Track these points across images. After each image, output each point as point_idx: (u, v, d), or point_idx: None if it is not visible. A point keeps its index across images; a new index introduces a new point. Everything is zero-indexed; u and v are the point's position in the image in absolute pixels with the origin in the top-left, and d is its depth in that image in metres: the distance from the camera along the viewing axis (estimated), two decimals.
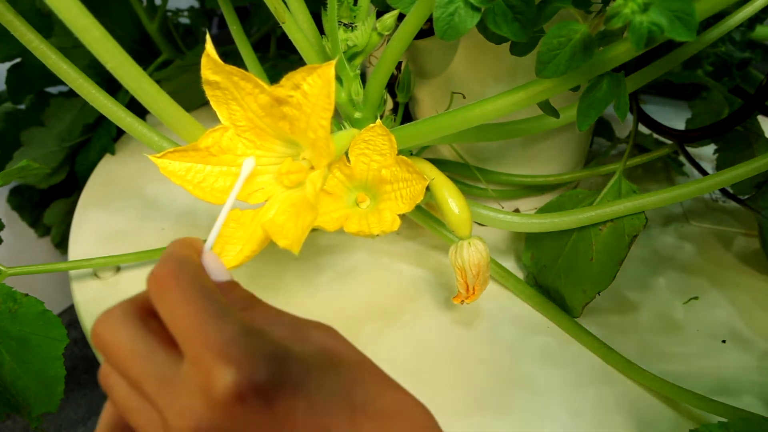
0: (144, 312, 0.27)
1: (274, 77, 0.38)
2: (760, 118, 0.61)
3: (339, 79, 0.47)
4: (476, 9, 0.37)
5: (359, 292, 0.56)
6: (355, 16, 0.47)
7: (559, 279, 0.52)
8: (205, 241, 0.31)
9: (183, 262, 0.27)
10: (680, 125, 0.69)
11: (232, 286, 0.30)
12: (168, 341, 0.26)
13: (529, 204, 0.64)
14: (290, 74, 0.33)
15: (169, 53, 0.85)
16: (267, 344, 0.25)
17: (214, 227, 0.31)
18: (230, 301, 0.28)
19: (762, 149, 0.59)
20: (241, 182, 0.35)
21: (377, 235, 0.44)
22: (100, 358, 0.50)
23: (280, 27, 0.46)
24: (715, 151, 0.65)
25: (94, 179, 0.73)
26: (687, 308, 0.55)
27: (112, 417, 0.29)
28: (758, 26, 0.61)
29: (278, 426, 0.24)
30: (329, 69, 0.32)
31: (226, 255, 0.35)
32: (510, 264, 0.58)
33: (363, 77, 0.48)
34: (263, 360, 0.25)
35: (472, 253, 0.47)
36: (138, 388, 0.26)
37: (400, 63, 0.54)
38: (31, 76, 0.80)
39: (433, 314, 0.54)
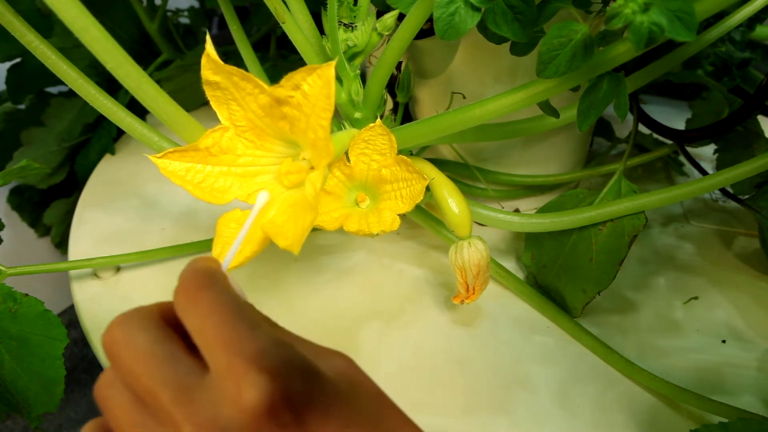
0: (164, 320, 0.26)
1: (274, 77, 0.38)
2: (760, 118, 0.61)
3: (339, 79, 0.47)
4: (476, 9, 0.37)
5: (359, 292, 0.56)
6: (355, 16, 0.47)
7: (559, 279, 0.52)
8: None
9: (213, 274, 0.26)
10: (680, 125, 0.69)
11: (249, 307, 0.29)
12: (189, 353, 0.25)
13: (529, 204, 0.64)
14: (290, 75, 0.33)
15: (169, 53, 0.85)
16: (300, 359, 0.24)
17: (230, 249, 0.31)
18: None
19: (762, 149, 0.59)
20: (254, 216, 0.34)
21: (377, 235, 0.44)
22: (103, 361, 0.50)
23: (280, 27, 0.46)
24: (715, 151, 0.65)
25: (94, 179, 0.73)
26: (687, 308, 0.55)
27: None
28: (758, 26, 0.61)
29: None
30: (329, 69, 0.32)
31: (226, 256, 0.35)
32: (510, 264, 0.58)
33: (363, 77, 0.48)
34: (297, 372, 0.23)
35: (472, 253, 0.47)
36: (149, 399, 0.24)
37: (400, 63, 0.54)
38: (31, 76, 0.80)
39: (433, 314, 0.54)
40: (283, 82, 0.34)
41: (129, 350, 0.25)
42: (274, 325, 0.28)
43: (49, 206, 0.89)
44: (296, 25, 0.46)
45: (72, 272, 0.58)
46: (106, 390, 0.25)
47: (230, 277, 0.29)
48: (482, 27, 0.39)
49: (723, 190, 0.59)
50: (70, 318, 0.76)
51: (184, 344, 0.25)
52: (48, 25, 0.71)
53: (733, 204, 0.64)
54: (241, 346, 0.23)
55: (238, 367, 0.23)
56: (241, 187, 0.38)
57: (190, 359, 0.25)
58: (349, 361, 0.28)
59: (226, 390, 0.23)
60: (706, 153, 0.70)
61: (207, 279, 0.26)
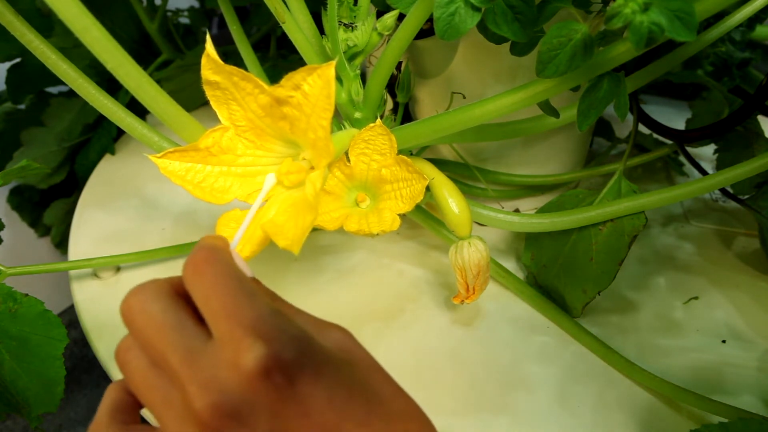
0: (175, 292, 0.28)
1: (274, 77, 0.38)
2: (760, 118, 0.61)
3: (339, 79, 0.47)
4: (476, 9, 0.37)
5: (359, 292, 0.56)
6: (355, 16, 0.47)
7: (559, 279, 0.52)
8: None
9: (217, 250, 0.29)
10: (680, 125, 0.69)
11: (254, 282, 0.31)
12: (197, 320, 0.27)
13: (529, 204, 0.64)
14: (290, 74, 0.33)
15: (169, 53, 0.85)
16: (295, 328, 0.27)
17: (239, 229, 0.33)
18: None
19: (762, 149, 0.59)
20: (265, 193, 0.35)
21: (377, 235, 0.44)
22: (104, 361, 0.50)
23: (280, 27, 0.46)
24: (715, 151, 0.65)
25: (94, 179, 0.73)
26: (687, 308, 0.55)
27: (117, 397, 0.29)
28: (758, 26, 0.61)
29: (297, 409, 0.25)
30: (329, 69, 0.32)
31: None
32: (510, 264, 0.58)
33: (363, 77, 0.49)
34: (291, 340, 0.26)
35: (472, 252, 0.47)
36: (161, 362, 0.26)
37: (400, 63, 0.54)
38: (31, 76, 0.80)
39: (433, 314, 0.54)
40: (283, 82, 0.34)
41: (143, 318, 0.27)
42: (275, 298, 0.31)
43: (49, 206, 0.89)
44: (296, 25, 0.46)
45: (72, 272, 0.58)
46: (125, 354, 0.28)
47: (235, 254, 0.31)
48: (482, 27, 0.39)
49: (723, 190, 0.59)
50: (70, 318, 0.76)
51: (193, 313, 0.28)
52: (48, 24, 0.71)
53: (733, 204, 0.64)
54: (240, 316, 0.26)
55: (236, 334, 0.25)
56: (241, 187, 0.38)
57: (197, 327, 0.27)
58: (345, 334, 0.30)
59: (226, 354, 0.25)
60: (706, 153, 0.70)
61: (212, 254, 0.28)
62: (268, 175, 0.36)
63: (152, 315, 0.27)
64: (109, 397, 0.29)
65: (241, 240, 0.35)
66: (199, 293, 0.27)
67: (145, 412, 0.32)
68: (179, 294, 0.28)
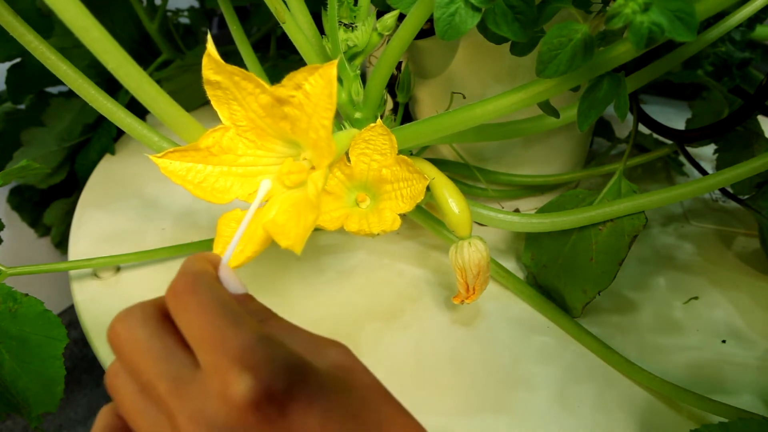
0: (164, 315, 0.28)
1: (274, 77, 0.38)
2: (760, 118, 0.61)
3: (339, 79, 0.47)
4: (477, 9, 0.37)
5: (359, 292, 0.56)
6: (355, 16, 0.47)
7: (559, 279, 0.52)
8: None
9: (199, 275, 0.28)
10: (680, 125, 0.69)
11: (247, 299, 0.30)
12: (185, 347, 0.27)
13: (529, 204, 0.64)
14: (292, 74, 0.33)
15: (169, 53, 0.85)
16: (285, 353, 0.25)
17: (231, 243, 0.32)
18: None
19: (762, 149, 0.59)
20: (258, 201, 0.35)
21: (378, 235, 0.44)
22: (103, 361, 0.50)
23: (280, 27, 0.46)
24: (715, 151, 0.65)
25: (94, 179, 0.73)
26: (687, 308, 0.55)
27: (109, 422, 0.28)
28: (758, 26, 0.61)
29: None
30: (331, 69, 0.32)
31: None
32: (510, 264, 0.58)
33: (363, 77, 0.49)
34: (280, 368, 0.24)
35: (472, 252, 0.47)
36: (149, 390, 0.26)
37: (400, 63, 0.54)
38: (31, 76, 0.80)
39: (433, 314, 0.54)
40: (284, 81, 0.34)
41: (130, 344, 0.27)
42: (267, 317, 0.29)
43: (49, 206, 0.89)
44: (296, 25, 0.46)
45: (72, 272, 0.58)
46: (114, 379, 0.27)
47: (227, 269, 0.30)
48: (482, 27, 0.39)
49: (723, 190, 0.59)
50: (70, 318, 0.75)
51: (180, 339, 0.27)
52: (48, 25, 0.71)
53: (733, 204, 0.64)
54: (225, 345, 0.25)
55: (222, 365, 0.24)
56: (241, 186, 0.38)
57: (185, 354, 0.26)
58: (343, 351, 0.29)
59: (214, 385, 0.24)
60: (706, 153, 0.70)
61: (192, 281, 0.27)
62: (263, 181, 0.36)
63: (139, 342, 0.26)
64: (101, 422, 0.28)
65: (242, 240, 0.35)
66: (183, 323, 0.26)
67: None
68: (167, 316, 0.27)
